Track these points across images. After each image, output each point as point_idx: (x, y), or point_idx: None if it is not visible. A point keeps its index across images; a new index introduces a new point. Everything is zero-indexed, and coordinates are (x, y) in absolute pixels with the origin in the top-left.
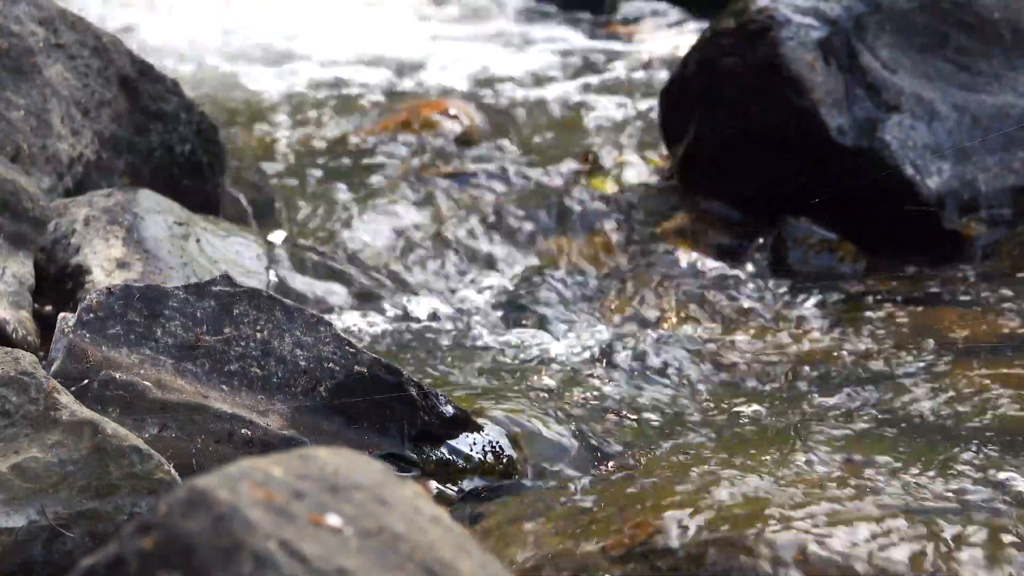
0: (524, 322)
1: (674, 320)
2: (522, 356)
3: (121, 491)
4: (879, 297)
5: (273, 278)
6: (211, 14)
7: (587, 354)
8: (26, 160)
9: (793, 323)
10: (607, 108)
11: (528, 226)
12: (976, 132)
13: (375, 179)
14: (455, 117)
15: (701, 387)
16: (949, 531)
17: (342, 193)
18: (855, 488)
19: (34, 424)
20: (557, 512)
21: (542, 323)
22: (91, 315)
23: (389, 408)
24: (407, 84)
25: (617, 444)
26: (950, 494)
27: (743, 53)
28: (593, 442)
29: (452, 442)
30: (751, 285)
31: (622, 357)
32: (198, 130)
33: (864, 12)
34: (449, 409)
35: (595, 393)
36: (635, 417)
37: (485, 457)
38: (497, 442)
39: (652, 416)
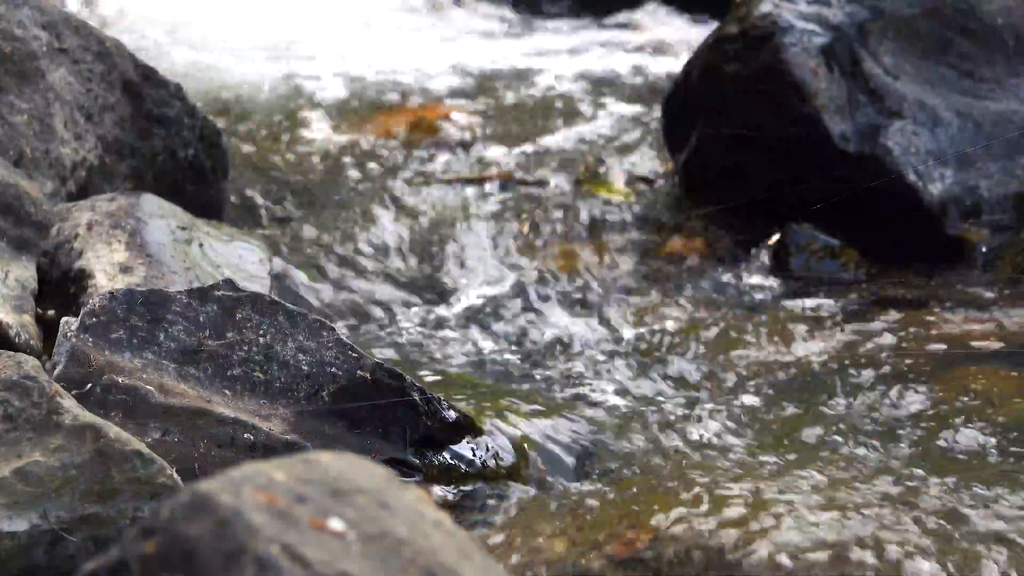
0: (526, 327)
1: (676, 326)
2: (524, 361)
3: (123, 495)
4: (881, 303)
5: (276, 282)
6: (211, 17)
7: (589, 360)
8: (29, 164)
9: (795, 329)
10: (609, 114)
11: (529, 233)
12: (979, 138)
13: (377, 184)
14: (457, 122)
15: (704, 393)
16: (947, 534)
17: (344, 198)
18: (856, 493)
19: (36, 428)
20: (560, 517)
21: (543, 329)
22: (94, 319)
23: (392, 413)
24: (410, 89)
25: (620, 449)
26: (949, 499)
27: (746, 59)
28: (596, 447)
29: (454, 447)
30: (753, 291)
31: (623, 363)
32: (201, 135)
33: (867, 18)
34: (451, 414)
35: (597, 398)
36: (638, 422)
37: (487, 462)
38: (499, 447)
39: (655, 422)
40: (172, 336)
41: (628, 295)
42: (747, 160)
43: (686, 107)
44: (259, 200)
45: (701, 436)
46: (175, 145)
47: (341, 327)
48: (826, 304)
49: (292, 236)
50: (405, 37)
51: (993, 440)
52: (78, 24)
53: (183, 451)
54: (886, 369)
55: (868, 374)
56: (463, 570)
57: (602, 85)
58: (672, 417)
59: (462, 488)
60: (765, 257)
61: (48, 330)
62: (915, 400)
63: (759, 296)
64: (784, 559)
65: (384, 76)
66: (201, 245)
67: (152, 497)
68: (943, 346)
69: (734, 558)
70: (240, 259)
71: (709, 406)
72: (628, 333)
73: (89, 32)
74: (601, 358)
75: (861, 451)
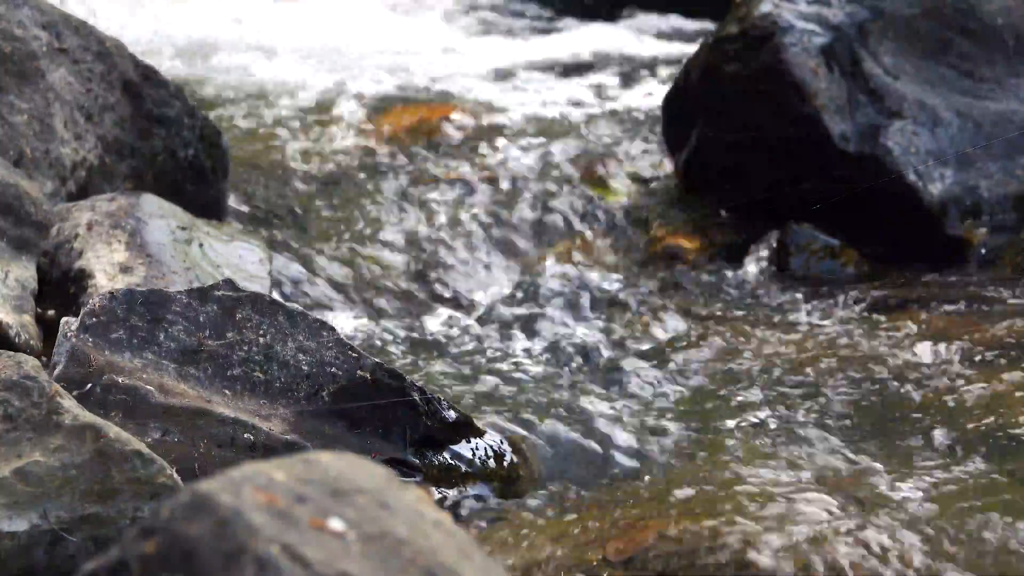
0: (526, 328)
1: (676, 326)
2: (524, 362)
3: (123, 495)
4: (881, 303)
5: (276, 283)
6: (212, 18)
7: (589, 360)
8: (29, 164)
9: (795, 329)
10: (609, 114)
11: (531, 232)
12: (979, 138)
13: (379, 184)
14: (458, 122)
15: (704, 393)
16: (944, 537)
17: (345, 198)
18: (855, 493)
19: (37, 428)
20: (559, 517)
21: (544, 329)
22: (94, 319)
23: (392, 413)
24: (412, 89)
25: (620, 449)
26: (948, 499)
27: (746, 59)
28: (595, 448)
29: (454, 447)
30: (754, 291)
31: (624, 363)
32: (201, 135)
33: (867, 18)
34: (451, 414)
35: (597, 399)
36: (637, 422)
37: (487, 462)
38: (499, 447)
39: (655, 422)
40: (172, 336)
41: (627, 295)
42: (747, 160)
43: (686, 107)
44: (259, 200)
45: (701, 436)
46: (175, 145)
47: (341, 327)
48: (826, 304)
49: (292, 236)
50: (404, 38)
51: (993, 440)
52: (78, 24)
53: (183, 451)
54: (886, 369)
55: (868, 374)
56: (463, 570)
57: (602, 85)
58: (672, 417)
59: (462, 488)
60: (765, 257)
61: (48, 330)
62: (914, 400)
63: (759, 296)
64: (785, 559)
65: (385, 76)
66: (201, 245)
67: (152, 497)
68: (943, 346)
69: (734, 558)
70: (240, 259)
71: (709, 406)
72: (628, 333)
73: (89, 32)
74: (601, 358)
75: (860, 450)
